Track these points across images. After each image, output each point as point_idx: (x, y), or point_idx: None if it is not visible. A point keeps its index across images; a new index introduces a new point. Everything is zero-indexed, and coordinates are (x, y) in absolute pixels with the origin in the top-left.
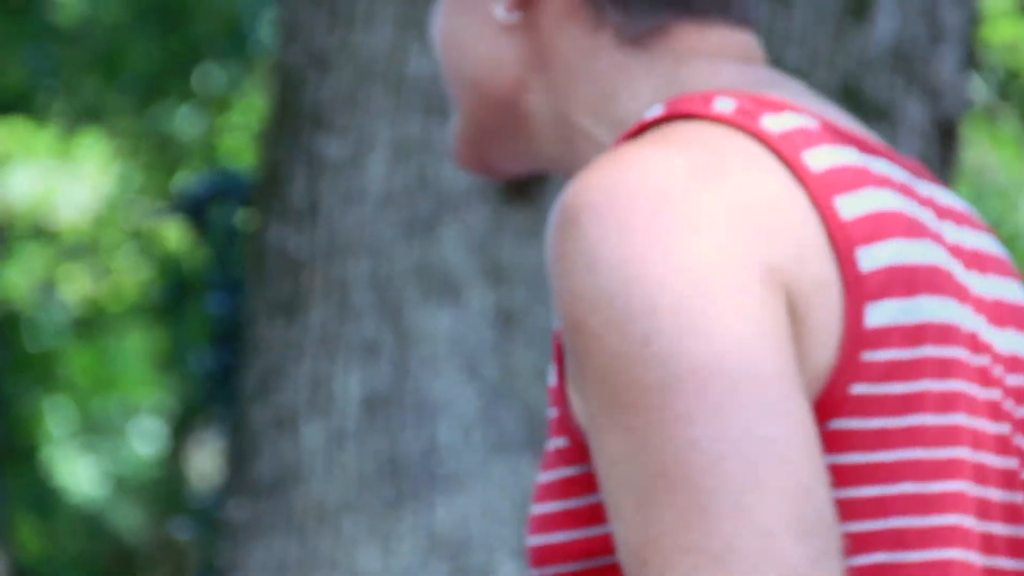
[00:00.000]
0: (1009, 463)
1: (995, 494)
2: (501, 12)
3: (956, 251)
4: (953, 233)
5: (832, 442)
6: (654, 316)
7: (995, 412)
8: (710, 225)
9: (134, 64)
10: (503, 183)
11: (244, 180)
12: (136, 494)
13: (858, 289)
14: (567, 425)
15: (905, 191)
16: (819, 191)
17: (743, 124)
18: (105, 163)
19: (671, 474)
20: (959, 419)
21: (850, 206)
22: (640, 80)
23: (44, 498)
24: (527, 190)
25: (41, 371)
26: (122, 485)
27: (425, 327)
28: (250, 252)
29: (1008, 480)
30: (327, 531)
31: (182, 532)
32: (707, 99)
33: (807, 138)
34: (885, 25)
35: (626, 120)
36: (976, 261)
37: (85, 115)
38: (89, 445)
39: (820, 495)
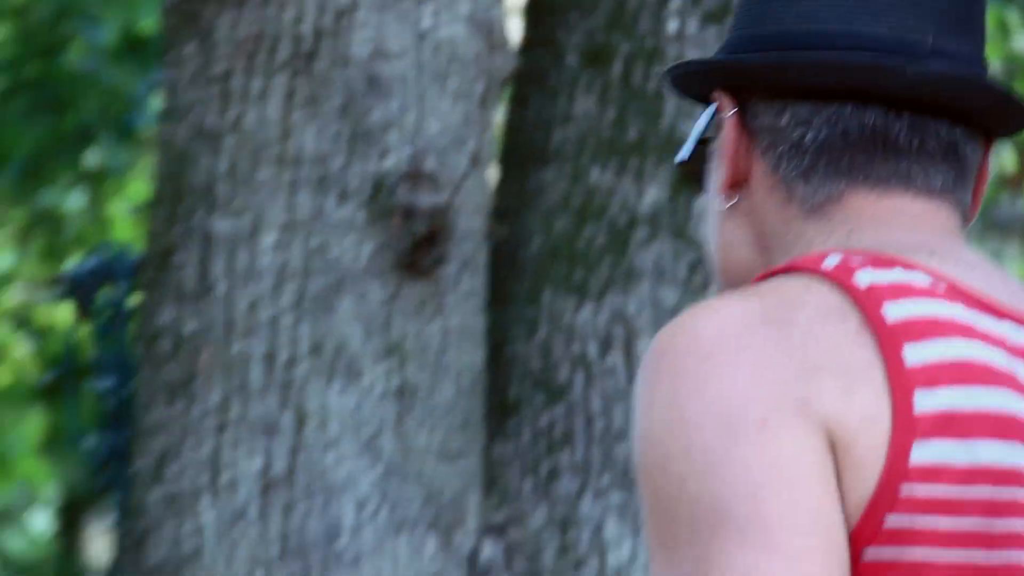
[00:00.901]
0: None
1: None
2: (723, 199)
3: None
4: None
5: (867, 569)
6: (688, 458)
7: None
8: (752, 367)
9: (20, 147)
10: (398, 257)
11: (133, 259)
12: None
13: (908, 428)
14: None
15: (1003, 345)
16: (889, 338)
17: (835, 278)
18: None
19: None
20: (1013, 556)
21: (918, 353)
22: (817, 246)
23: None
24: (423, 265)
25: None
26: (12, 567)
27: (322, 406)
28: (141, 333)
29: None
30: None
31: None
32: (822, 256)
33: (900, 292)
34: None
35: None
36: None
37: None
38: None
39: None
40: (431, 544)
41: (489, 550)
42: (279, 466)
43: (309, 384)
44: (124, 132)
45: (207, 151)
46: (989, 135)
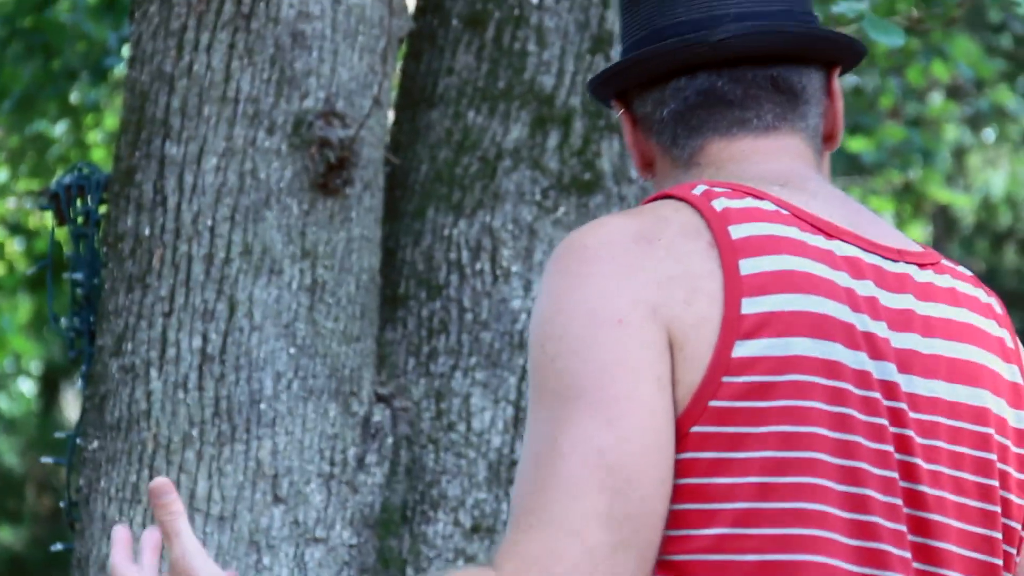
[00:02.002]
0: (890, 474)
1: (874, 494)
2: (645, 177)
3: (871, 310)
4: (876, 295)
5: (692, 442)
6: (561, 340)
7: (878, 434)
8: (620, 275)
9: (16, 84)
10: (314, 179)
11: (103, 177)
12: (17, 429)
13: (733, 329)
14: None
15: (828, 260)
16: (729, 253)
17: (697, 203)
18: None
19: (540, 461)
20: (813, 429)
21: (752, 265)
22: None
23: None
24: (333, 186)
25: None
26: (3, 421)
27: (249, 297)
28: (107, 236)
29: (887, 487)
30: (169, 462)
31: (52, 460)
32: (692, 186)
33: (746, 215)
34: None
35: None
36: (900, 321)
37: None
38: None
39: (637, 496)
40: (333, 410)
41: (379, 415)
42: (214, 345)
43: (239, 279)
44: (100, 74)
45: (164, 91)
46: (830, 65)
